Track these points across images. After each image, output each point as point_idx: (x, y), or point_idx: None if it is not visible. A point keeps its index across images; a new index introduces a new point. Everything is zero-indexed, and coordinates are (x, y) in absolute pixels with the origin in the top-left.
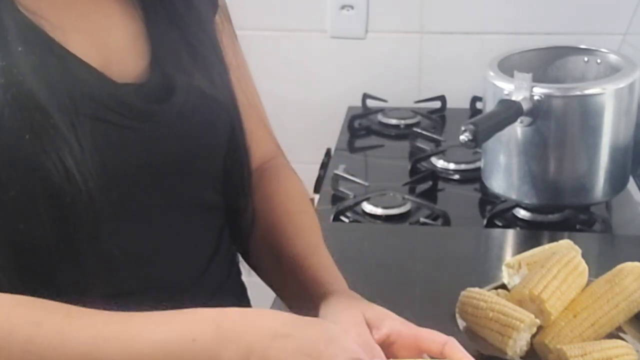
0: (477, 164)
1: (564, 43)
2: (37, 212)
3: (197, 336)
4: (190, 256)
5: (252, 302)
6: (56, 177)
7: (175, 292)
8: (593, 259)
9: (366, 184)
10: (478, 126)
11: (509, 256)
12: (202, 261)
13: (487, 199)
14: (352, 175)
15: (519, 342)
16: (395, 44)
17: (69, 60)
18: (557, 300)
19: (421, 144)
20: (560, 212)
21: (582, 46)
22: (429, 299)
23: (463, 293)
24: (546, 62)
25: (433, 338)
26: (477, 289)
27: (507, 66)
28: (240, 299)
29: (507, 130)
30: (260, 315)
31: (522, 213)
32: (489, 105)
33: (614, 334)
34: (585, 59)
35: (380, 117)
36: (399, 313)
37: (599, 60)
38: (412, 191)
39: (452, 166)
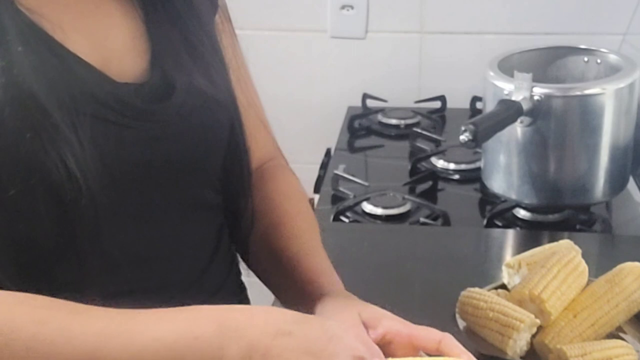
0: (477, 164)
1: (564, 43)
2: (38, 211)
3: (200, 333)
4: (190, 256)
5: (251, 302)
6: (56, 175)
7: (175, 292)
8: (593, 259)
9: (366, 184)
10: (478, 126)
11: (509, 256)
12: (202, 261)
13: (487, 199)
14: (352, 175)
15: (519, 342)
16: (395, 44)
17: (69, 59)
18: (557, 300)
19: (421, 144)
20: (560, 212)
21: (582, 46)
22: (429, 299)
23: (463, 293)
24: (546, 62)
25: (428, 335)
26: (477, 289)
27: (507, 66)
28: (240, 299)
29: (507, 130)
30: (263, 313)
31: (522, 213)
32: (489, 105)
33: (614, 334)
34: (585, 59)
35: (380, 117)
36: (399, 313)
37: (599, 60)
38: (412, 191)
39: (452, 166)
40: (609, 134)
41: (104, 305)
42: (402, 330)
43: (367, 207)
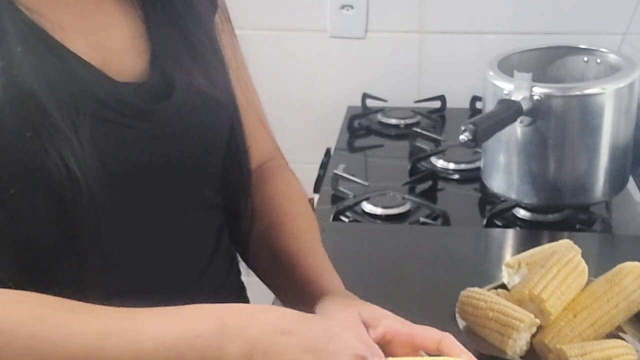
0: (477, 164)
1: (564, 43)
2: (38, 211)
3: (201, 332)
4: (190, 256)
5: (251, 302)
6: (57, 175)
7: (175, 292)
8: (593, 259)
9: (366, 184)
10: (478, 126)
11: (509, 256)
12: (202, 261)
13: (487, 199)
14: (352, 175)
15: (519, 342)
16: (395, 44)
17: (69, 59)
18: (557, 300)
19: (421, 144)
20: (560, 212)
21: (582, 46)
22: (429, 299)
23: (463, 293)
24: (546, 62)
25: (428, 335)
26: (477, 289)
27: (507, 66)
28: (240, 298)
29: (507, 130)
30: (264, 312)
31: (522, 213)
32: (489, 105)
33: (614, 334)
34: (585, 59)
35: (380, 117)
36: (399, 313)
37: (599, 60)
38: (412, 191)
39: (452, 166)
40: (609, 134)
41: (104, 305)
42: (401, 329)
43: (367, 207)
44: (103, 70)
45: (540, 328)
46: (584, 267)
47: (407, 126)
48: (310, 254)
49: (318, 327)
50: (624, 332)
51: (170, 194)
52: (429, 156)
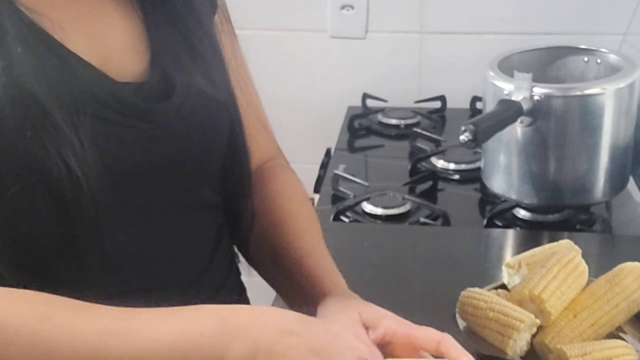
0: (477, 164)
1: (564, 43)
2: (38, 211)
3: (204, 331)
4: (190, 255)
5: (251, 302)
6: (57, 175)
7: (176, 292)
8: (593, 259)
9: (366, 184)
10: (478, 126)
11: (509, 256)
12: (202, 261)
13: (487, 199)
14: (352, 175)
15: (519, 342)
16: (395, 44)
17: (69, 58)
18: (557, 300)
19: (421, 144)
20: (560, 212)
21: (582, 46)
22: (429, 299)
23: (463, 293)
24: (546, 62)
25: (427, 336)
26: (477, 289)
27: (507, 66)
28: (239, 298)
29: (507, 130)
30: (268, 312)
31: (522, 213)
32: (489, 105)
33: (614, 334)
34: (585, 59)
35: (380, 117)
36: (399, 313)
37: (599, 60)
38: (412, 191)
39: (452, 166)
40: (609, 134)
41: (104, 304)
42: (401, 330)
43: (367, 207)
44: (103, 70)
45: (540, 328)
46: (584, 267)
47: (407, 126)
48: (312, 254)
49: (320, 328)
50: (624, 332)
51: (170, 194)
52: (429, 156)
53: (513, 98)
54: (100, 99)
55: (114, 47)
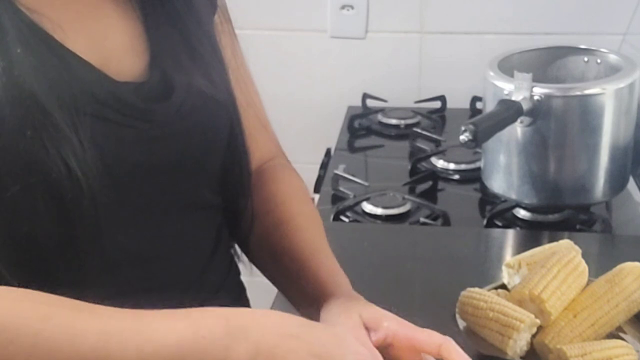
0: (477, 164)
1: (564, 43)
2: (38, 211)
3: (207, 333)
4: (190, 256)
5: (251, 302)
6: (57, 175)
7: (176, 292)
8: (593, 259)
9: (366, 184)
10: (478, 126)
11: (509, 256)
12: (201, 261)
13: (487, 199)
14: (352, 175)
15: (519, 342)
16: (395, 44)
17: (68, 58)
18: (557, 300)
19: (421, 144)
20: (560, 212)
21: (582, 46)
22: (429, 299)
23: (463, 293)
24: (546, 62)
25: (429, 339)
26: (477, 289)
27: (507, 66)
28: (239, 298)
29: (507, 130)
30: (268, 315)
31: (522, 213)
32: (489, 105)
33: (614, 334)
34: (585, 59)
35: (380, 117)
36: (399, 313)
37: (599, 60)
38: (412, 191)
39: (452, 166)
40: (609, 134)
41: (104, 304)
42: (402, 332)
43: (367, 207)
44: (102, 70)
45: (540, 328)
46: (584, 267)
47: (407, 126)
48: (314, 254)
49: (324, 332)
50: (624, 332)
51: (170, 194)
52: (429, 156)
53: (513, 98)
54: (100, 99)
55: (113, 47)
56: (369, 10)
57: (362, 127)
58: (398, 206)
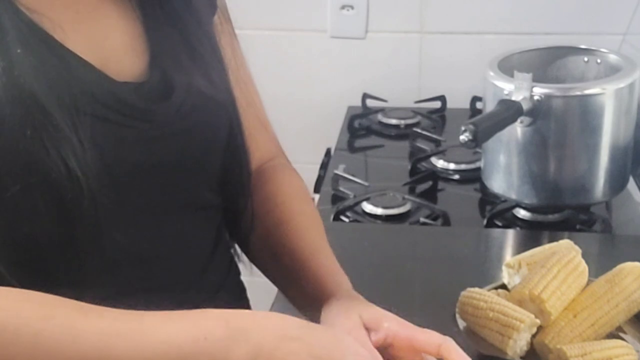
0: (477, 164)
1: (564, 43)
2: (38, 211)
3: (208, 335)
4: (190, 256)
5: (251, 302)
6: (57, 175)
7: (175, 291)
8: (593, 259)
9: (366, 184)
10: (478, 126)
11: (509, 256)
12: (201, 261)
13: (487, 199)
14: (352, 175)
15: (519, 342)
16: (395, 44)
17: (68, 58)
18: (557, 300)
19: (421, 144)
20: (560, 212)
21: (582, 46)
22: (429, 299)
23: (463, 293)
24: (546, 62)
25: (429, 339)
26: (477, 289)
27: (507, 66)
28: (239, 299)
29: (507, 130)
30: (268, 317)
31: (522, 213)
32: (489, 105)
33: (614, 334)
34: (585, 59)
35: (380, 117)
36: (399, 313)
37: (599, 60)
38: (412, 191)
39: (452, 166)
40: (609, 134)
41: (104, 305)
42: (402, 332)
43: (367, 207)
44: (102, 70)
45: (540, 328)
46: (584, 267)
47: (407, 126)
48: (315, 254)
49: (322, 333)
50: (624, 332)
51: (169, 194)
52: (429, 156)
53: (513, 98)
54: (100, 99)
55: (113, 47)
56: (369, 10)
57: (362, 127)
58: (398, 206)
